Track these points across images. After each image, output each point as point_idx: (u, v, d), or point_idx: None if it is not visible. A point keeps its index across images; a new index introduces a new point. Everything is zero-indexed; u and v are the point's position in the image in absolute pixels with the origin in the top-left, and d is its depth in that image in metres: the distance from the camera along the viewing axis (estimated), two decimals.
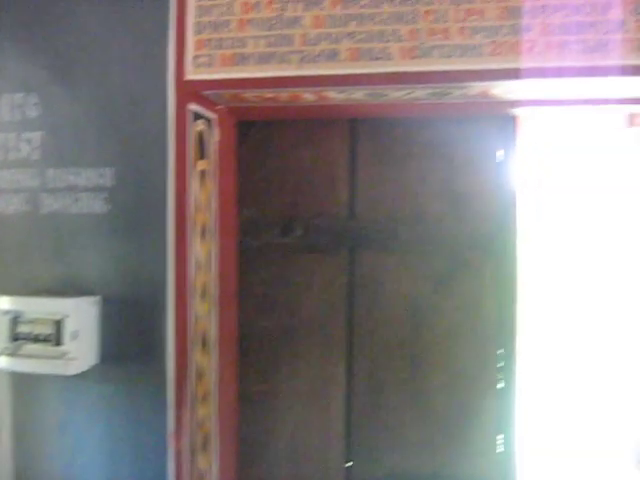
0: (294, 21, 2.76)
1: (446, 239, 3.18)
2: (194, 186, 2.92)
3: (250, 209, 3.32)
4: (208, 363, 3.06)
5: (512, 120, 3.18)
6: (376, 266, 3.24)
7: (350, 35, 2.71)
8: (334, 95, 2.88)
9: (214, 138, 3.09)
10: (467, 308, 3.20)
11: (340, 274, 3.27)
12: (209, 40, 2.83)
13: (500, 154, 3.17)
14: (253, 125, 3.34)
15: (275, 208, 3.32)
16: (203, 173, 2.99)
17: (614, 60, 2.56)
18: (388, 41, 2.68)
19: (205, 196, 3.01)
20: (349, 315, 3.28)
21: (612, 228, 3.80)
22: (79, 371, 2.85)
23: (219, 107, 3.09)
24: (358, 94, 2.85)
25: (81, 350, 2.85)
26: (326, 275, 3.28)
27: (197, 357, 2.98)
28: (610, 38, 2.58)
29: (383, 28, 2.69)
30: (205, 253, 3.02)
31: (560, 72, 2.58)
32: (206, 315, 3.04)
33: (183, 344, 2.91)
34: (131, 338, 2.93)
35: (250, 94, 2.91)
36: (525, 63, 2.59)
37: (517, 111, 3.11)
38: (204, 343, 3.03)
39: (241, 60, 2.80)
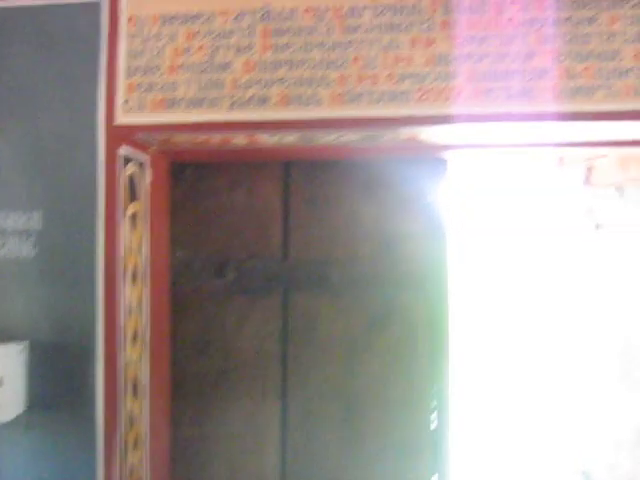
0: (225, 66, 2.78)
1: (378, 280, 3.20)
2: (125, 230, 2.89)
3: (183, 251, 3.30)
4: (139, 409, 3.01)
5: (443, 162, 3.24)
6: (309, 308, 3.24)
7: (280, 80, 2.74)
8: (266, 139, 2.90)
9: (146, 181, 3.06)
10: (400, 348, 3.22)
11: (274, 316, 3.26)
12: (139, 84, 2.83)
13: (431, 195, 3.21)
14: (187, 167, 3.32)
15: (209, 250, 3.30)
16: (134, 216, 2.96)
17: (538, 106, 2.63)
18: (318, 86, 2.71)
19: (136, 239, 2.98)
20: (283, 357, 3.26)
21: (539, 267, 3.88)
22: (4, 420, 2.77)
23: (151, 149, 3.08)
24: (289, 138, 2.87)
25: (6, 398, 2.77)
26: (260, 317, 3.26)
27: (128, 403, 2.93)
28: (534, 85, 2.64)
29: (313, 74, 2.72)
30: (136, 297, 2.98)
31: (486, 118, 2.64)
32: (137, 361, 2.99)
33: (113, 391, 2.85)
34: (60, 385, 2.87)
35: (181, 138, 2.90)
36: (452, 109, 2.64)
37: (447, 154, 3.16)
38: (135, 389, 2.98)
39: (171, 104, 2.80)
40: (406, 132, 2.78)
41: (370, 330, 3.23)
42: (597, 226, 3.77)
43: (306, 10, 2.76)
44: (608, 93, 2.63)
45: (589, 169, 3.79)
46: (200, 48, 2.81)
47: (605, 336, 3.76)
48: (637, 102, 2.62)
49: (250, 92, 2.75)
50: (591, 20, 2.67)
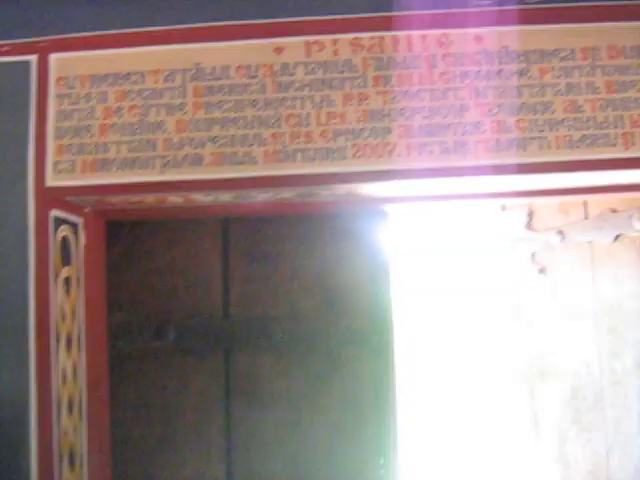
0: (157, 126, 2.73)
1: (321, 336, 3.15)
2: (58, 294, 2.79)
3: (121, 312, 3.21)
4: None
5: (383, 214, 3.21)
6: (252, 367, 3.17)
7: (214, 139, 2.70)
8: (201, 198, 2.84)
9: (80, 243, 2.98)
10: (346, 405, 3.16)
11: (216, 377, 3.18)
12: (70, 145, 2.76)
13: (372, 248, 3.17)
14: (123, 226, 3.24)
15: (148, 311, 3.22)
16: (68, 280, 2.87)
17: (473, 160, 2.62)
18: (252, 145, 2.68)
19: (70, 303, 2.89)
20: (227, 419, 3.18)
21: (482, 314, 3.85)
22: None
23: (86, 210, 3.00)
24: (225, 197, 2.83)
25: None
26: (202, 379, 3.18)
27: (65, 474, 2.81)
28: (468, 139, 2.64)
29: (246, 132, 2.69)
30: (71, 364, 2.87)
31: (422, 173, 2.63)
32: (73, 429, 2.88)
33: (49, 462, 2.73)
34: None
35: (115, 199, 2.83)
36: (388, 165, 2.62)
37: (388, 206, 3.14)
38: (72, 459, 2.86)
39: (103, 166, 2.74)
40: (343, 188, 2.75)
41: (314, 387, 3.16)
42: (540, 270, 3.76)
43: (238, 68, 2.73)
44: (541, 145, 2.63)
45: (530, 214, 3.79)
46: (131, 108, 2.76)
47: (555, 381, 3.73)
48: (570, 153, 2.63)
49: (183, 152, 2.71)
50: (522, 73, 2.68)
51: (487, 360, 3.92)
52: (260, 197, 2.84)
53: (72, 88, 2.79)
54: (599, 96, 2.67)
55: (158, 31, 2.76)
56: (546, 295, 3.73)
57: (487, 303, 3.93)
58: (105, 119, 2.76)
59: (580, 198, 3.36)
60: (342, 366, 3.17)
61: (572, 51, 2.69)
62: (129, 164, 2.72)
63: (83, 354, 2.97)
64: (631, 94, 2.65)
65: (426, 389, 3.72)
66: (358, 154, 2.63)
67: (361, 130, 2.64)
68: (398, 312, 3.33)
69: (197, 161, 2.68)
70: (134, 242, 3.25)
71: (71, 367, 2.88)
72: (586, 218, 3.50)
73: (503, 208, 3.92)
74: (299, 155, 2.66)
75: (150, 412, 3.20)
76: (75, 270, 2.94)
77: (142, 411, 3.20)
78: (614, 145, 2.63)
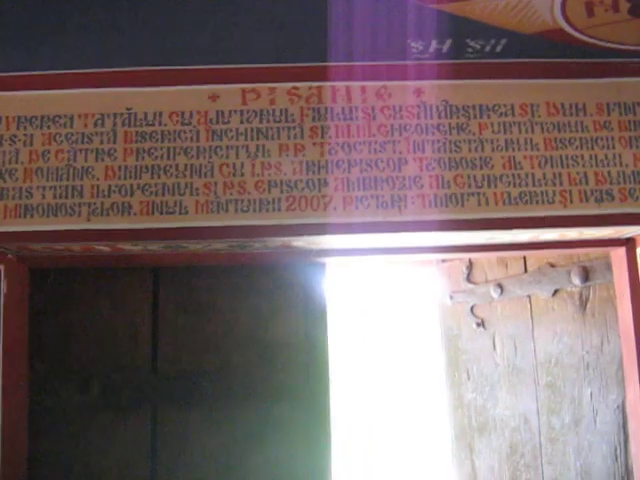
0: (84, 171, 2.62)
1: (254, 392, 3.04)
2: None
3: (43, 364, 3.05)
4: None
5: (321, 267, 3.14)
6: (180, 423, 3.03)
7: (143, 187, 2.60)
8: (129, 247, 2.72)
9: (2, 291, 2.82)
10: (279, 463, 3.03)
11: (142, 434, 3.03)
12: None
13: (309, 301, 3.09)
14: (48, 273, 3.10)
15: (71, 363, 3.07)
16: None
17: (409, 215, 2.57)
18: (183, 194, 2.58)
19: None
20: (152, 478, 3.02)
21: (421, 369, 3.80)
22: None
23: (8, 257, 2.85)
24: (154, 246, 2.71)
25: None
26: (127, 435, 3.03)
27: None
28: (405, 194, 2.59)
29: (178, 181, 2.59)
30: None
31: (357, 228, 2.57)
32: None
33: None
34: None
35: (38, 246, 2.69)
36: (323, 218, 2.56)
37: (325, 259, 3.06)
38: None
39: (26, 212, 2.61)
40: (277, 240, 2.66)
41: (246, 446, 3.03)
42: (479, 324, 3.73)
43: (171, 114, 2.65)
44: (480, 201, 2.59)
45: (469, 267, 3.77)
46: (58, 152, 2.65)
47: (493, 437, 3.68)
48: (509, 210, 2.60)
49: (111, 199, 2.60)
50: (461, 127, 2.65)
51: (425, 414, 3.86)
52: (191, 247, 2.73)
53: None
54: (538, 153, 2.65)
55: (89, 73, 2.66)
56: (485, 348, 3.70)
57: (425, 355, 3.89)
58: (30, 163, 2.64)
59: (519, 254, 3.33)
60: (275, 424, 3.06)
61: (511, 107, 2.69)
62: (54, 210, 2.60)
63: (0, 408, 2.80)
64: (569, 151, 2.65)
65: (363, 445, 3.63)
66: (293, 206, 2.56)
67: (297, 182, 2.58)
68: (335, 365, 3.24)
69: (125, 209, 2.58)
70: (59, 290, 3.11)
71: None
72: (525, 272, 3.50)
73: (443, 260, 3.91)
74: (232, 206, 2.57)
75: (72, 470, 3.03)
76: None
77: (62, 469, 3.03)
78: (552, 202, 2.60)
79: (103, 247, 2.74)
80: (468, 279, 3.81)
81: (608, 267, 3.06)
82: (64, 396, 3.05)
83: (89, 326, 3.09)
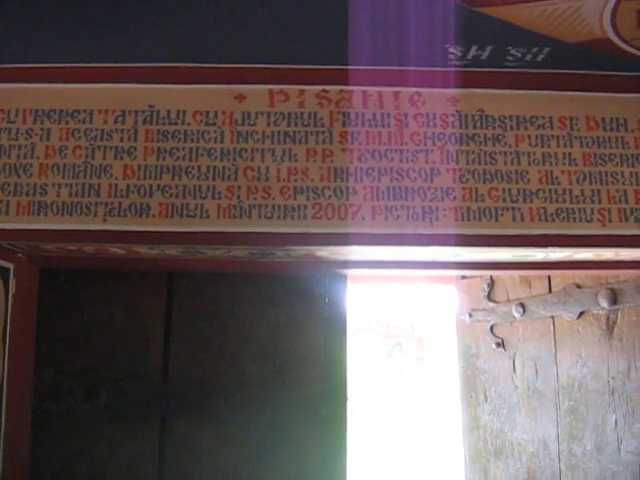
0: (102, 169, 2.51)
1: (269, 406, 2.94)
2: None
3: (51, 369, 2.95)
4: None
5: (343, 279, 3.03)
6: (191, 436, 2.92)
7: (163, 189, 2.48)
8: (145, 250, 2.61)
9: (10, 291, 2.72)
10: None
11: (150, 446, 2.92)
12: (5, 185, 2.52)
13: (329, 314, 2.98)
14: (59, 274, 3.00)
15: (80, 369, 2.96)
16: None
17: (440, 229, 2.46)
18: (205, 198, 2.47)
19: None
20: None
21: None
22: None
23: (18, 256, 2.74)
24: (172, 251, 2.60)
25: None
26: (134, 446, 2.92)
27: None
28: (437, 206, 2.48)
29: (200, 183, 2.48)
30: None
31: (385, 239, 2.45)
32: None
33: None
34: None
35: (50, 246, 2.58)
36: (349, 228, 2.44)
37: (348, 270, 2.95)
38: None
39: (40, 209, 2.50)
40: (300, 250, 2.55)
41: (259, 463, 2.92)
42: (499, 344, 3.61)
43: (195, 113, 2.55)
44: (514, 216, 2.48)
45: (490, 285, 3.65)
46: (76, 148, 2.55)
47: (510, 461, 3.56)
48: (544, 227, 2.49)
49: (129, 200, 2.49)
50: (497, 139, 2.55)
51: (439, 434, 3.74)
52: (210, 253, 2.62)
53: (12, 122, 2.56)
54: (576, 168, 2.55)
55: (111, 67, 2.56)
56: (504, 369, 3.59)
57: (441, 373, 3.77)
58: (46, 158, 2.53)
59: (544, 273, 3.23)
60: (289, 439, 2.95)
61: (550, 119, 2.59)
62: (68, 209, 2.49)
63: (3, 414, 2.68)
64: (609, 168, 2.54)
65: (379, 463, 3.51)
66: (319, 214, 2.45)
67: (324, 189, 2.47)
68: (353, 382, 3.12)
69: (144, 211, 2.47)
70: (70, 292, 3.01)
71: None
72: (550, 292, 3.38)
73: (462, 276, 3.80)
74: (255, 211, 2.46)
75: None
76: (1, 320, 2.67)
77: (67, 479, 2.90)
78: (590, 221, 2.49)
79: (118, 249, 2.63)
80: (489, 297, 3.69)
81: (638, 290, 2.94)
82: (70, 403, 2.95)
83: (99, 331, 2.99)
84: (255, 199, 2.47)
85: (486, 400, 3.72)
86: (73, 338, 2.98)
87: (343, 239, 2.45)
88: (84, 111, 2.57)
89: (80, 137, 2.55)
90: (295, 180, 2.48)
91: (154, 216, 2.47)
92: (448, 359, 3.67)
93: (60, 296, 3.00)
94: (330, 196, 2.47)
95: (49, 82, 2.59)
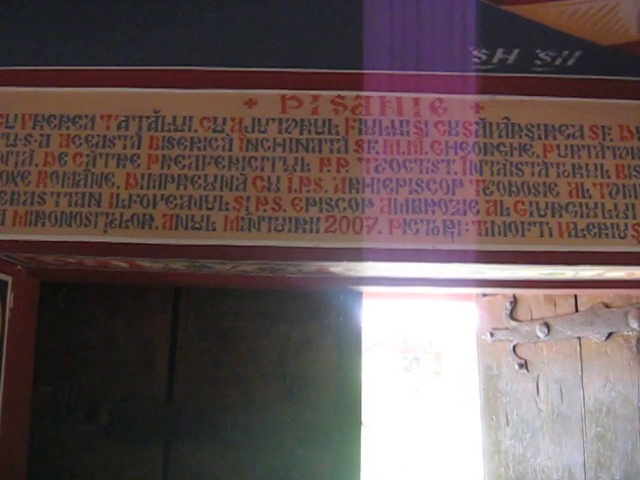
0: (103, 178, 2.39)
1: (278, 429, 2.81)
2: None
3: (50, 387, 2.83)
4: None
5: (358, 296, 2.89)
6: (195, 460, 2.80)
7: (167, 199, 2.36)
8: (149, 264, 2.48)
9: (8, 305, 2.59)
10: None
11: (153, 469, 2.80)
12: (2, 193, 2.42)
13: (344, 332, 2.84)
14: (61, 288, 2.88)
15: (80, 387, 2.85)
16: None
17: (462, 244, 2.31)
18: (211, 209, 2.34)
19: None
20: None
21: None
22: None
23: (17, 268, 2.61)
24: (176, 265, 2.46)
25: None
26: (137, 470, 2.80)
27: None
28: (459, 219, 2.33)
29: (206, 193, 2.35)
30: None
31: (404, 256, 2.30)
32: None
33: None
34: None
35: (48, 258, 2.45)
36: (365, 243, 2.30)
37: (363, 287, 2.80)
38: None
39: (37, 219, 2.37)
40: (312, 265, 2.41)
41: None
42: (522, 365, 3.44)
43: (202, 119, 2.43)
44: (542, 231, 2.33)
45: (513, 302, 3.50)
46: (76, 156, 2.43)
47: None
48: (574, 243, 2.33)
49: (131, 210, 2.37)
50: (524, 148, 2.40)
51: (458, 457, 3.58)
52: (217, 268, 2.48)
53: (10, 127, 2.45)
54: (609, 180, 2.40)
55: (114, 71, 2.45)
56: (527, 392, 3.43)
57: (461, 391, 3.61)
58: (45, 166, 2.42)
59: (570, 292, 3.09)
60: (299, 465, 2.82)
61: (580, 128, 2.45)
62: (67, 220, 2.37)
63: None
64: None
65: None
66: (332, 228, 2.31)
67: (338, 201, 2.33)
68: (367, 403, 2.97)
69: (147, 222, 2.34)
70: (71, 307, 2.89)
71: None
72: (576, 311, 3.23)
73: (484, 294, 3.64)
74: (265, 224, 2.33)
75: None
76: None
77: None
78: (624, 237, 2.34)
79: (120, 263, 2.49)
80: (511, 316, 3.54)
81: None
82: (69, 423, 2.84)
83: (101, 348, 2.88)
84: (265, 211, 2.34)
85: (508, 424, 3.56)
86: (74, 355, 2.87)
87: (358, 254, 2.31)
88: (86, 116, 2.46)
89: (81, 144, 2.43)
90: (307, 191, 2.35)
91: (157, 228, 2.34)
92: (467, 375, 3.51)
93: (61, 311, 2.90)
94: (345, 208, 2.33)
95: (50, 86, 2.49)
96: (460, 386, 3.54)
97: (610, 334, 3.04)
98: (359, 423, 2.83)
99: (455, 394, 3.57)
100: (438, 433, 3.50)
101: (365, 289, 2.83)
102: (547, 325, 3.33)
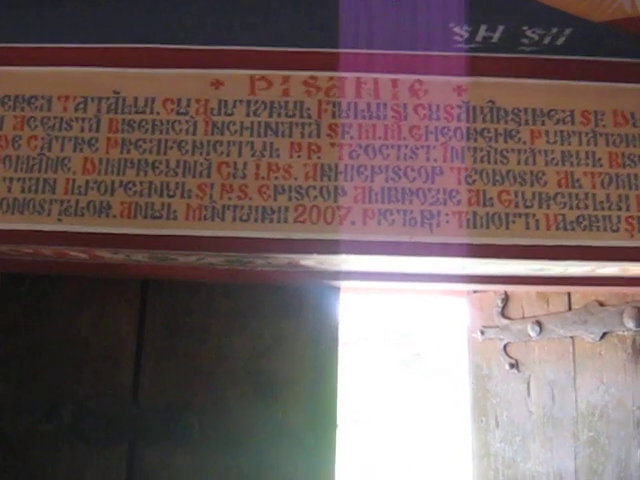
0: (59, 163, 2.28)
1: (249, 432, 2.67)
2: None
3: (8, 385, 2.71)
4: None
5: (334, 291, 2.77)
6: (162, 464, 2.65)
7: (126, 185, 2.24)
8: (108, 255, 2.34)
9: None
10: None
11: (116, 473, 2.65)
12: None
13: (318, 330, 2.73)
14: (23, 280, 2.75)
15: (40, 385, 2.70)
16: None
17: (442, 236, 2.17)
18: (172, 196, 2.22)
19: None
20: None
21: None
22: None
23: None
24: (138, 256, 2.33)
25: None
26: (98, 474, 2.66)
27: None
28: (438, 210, 2.20)
29: (167, 180, 2.24)
30: None
31: (378, 248, 2.17)
32: None
33: None
34: None
35: (2, 247, 2.32)
36: (337, 234, 2.18)
37: (339, 282, 2.68)
38: None
39: None
40: (282, 257, 2.27)
41: None
42: (512, 365, 3.32)
43: (165, 101, 2.31)
44: (528, 224, 2.22)
45: (504, 300, 3.37)
46: (31, 139, 2.31)
47: None
48: (563, 237, 2.20)
49: (87, 198, 2.25)
50: (509, 134, 2.29)
51: (446, 459, 3.46)
52: (181, 260, 2.34)
53: None
54: (601, 169, 2.29)
55: (72, 49, 2.34)
56: (518, 393, 3.32)
57: (449, 394, 3.49)
58: None
59: (563, 289, 2.97)
60: (271, 469, 2.67)
61: (571, 113, 2.34)
62: (20, 207, 2.26)
63: None
64: (639, 170, 2.23)
65: None
66: (302, 218, 2.18)
67: (308, 188, 2.22)
68: (344, 404, 2.84)
69: (103, 210, 2.23)
70: (33, 300, 2.77)
71: None
72: (569, 309, 3.12)
73: (474, 290, 3.52)
74: (229, 213, 2.22)
75: None
76: None
77: None
78: (616, 230, 2.23)
79: (78, 253, 2.35)
80: (502, 314, 3.42)
81: None
82: (28, 423, 2.70)
83: (63, 343, 2.75)
84: (230, 199, 2.23)
85: (497, 426, 3.44)
86: (34, 350, 2.74)
87: (329, 247, 2.19)
88: (42, 97, 2.36)
89: (36, 126, 2.33)
90: (276, 178, 2.23)
91: (115, 216, 2.23)
92: (459, 375, 3.40)
93: (22, 304, 2.77)
94: (316, 197, 2.22)
95: (3, 65, 2.36)
96: (451, 386, 3.42)
97: (604, 334, 2.94)
98: (334, 425, 2.71)
99: (446, 394, 3.45)
100: (428, 433, 3.40)
101: (343, 284, 2.70)
102: (539, 324, 3.23)
